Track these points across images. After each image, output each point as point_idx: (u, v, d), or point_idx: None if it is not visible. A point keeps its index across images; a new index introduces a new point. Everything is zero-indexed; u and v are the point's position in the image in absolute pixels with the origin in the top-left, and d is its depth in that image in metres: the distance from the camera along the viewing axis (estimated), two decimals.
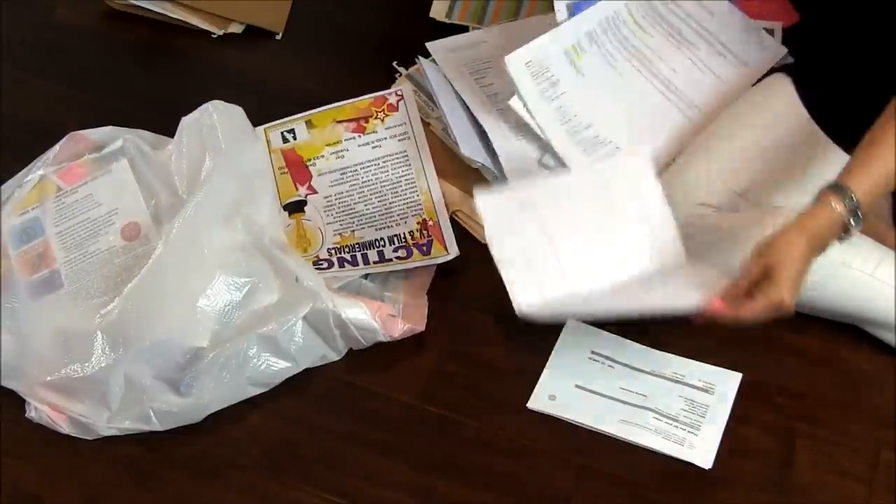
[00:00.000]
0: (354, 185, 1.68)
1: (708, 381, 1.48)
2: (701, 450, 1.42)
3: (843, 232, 1.33)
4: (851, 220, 1.31)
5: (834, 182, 1.33)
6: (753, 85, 1.62)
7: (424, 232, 1.63)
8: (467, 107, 1.70)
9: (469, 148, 1.63)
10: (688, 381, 1.49)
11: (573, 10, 1.65)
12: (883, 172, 1.33)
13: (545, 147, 1.65)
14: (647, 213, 1.48)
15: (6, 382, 1.47)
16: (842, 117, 1.47)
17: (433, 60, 1.76)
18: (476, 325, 1.57)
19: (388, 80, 1.81)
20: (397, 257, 1.61)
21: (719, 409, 1.46)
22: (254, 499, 1.41)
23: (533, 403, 1.47)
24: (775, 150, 1.51)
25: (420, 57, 1.74)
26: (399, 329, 1.52)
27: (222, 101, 1.58)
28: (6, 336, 1.47)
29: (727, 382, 1.48)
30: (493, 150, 1.65)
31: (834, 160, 1.48)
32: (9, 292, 1.51)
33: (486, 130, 1.66)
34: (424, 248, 1.62)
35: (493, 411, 1.47)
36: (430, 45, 1.77)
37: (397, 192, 1.66)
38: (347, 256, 1.63)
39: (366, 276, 1.60)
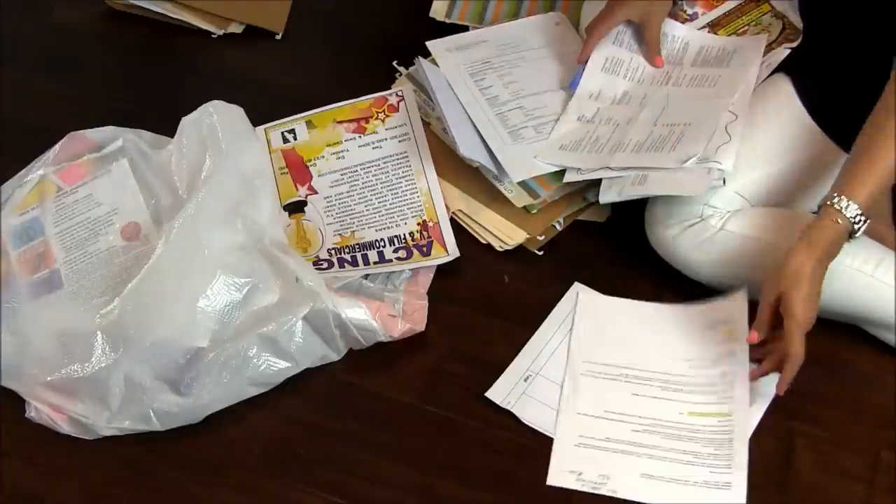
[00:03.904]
0: (355, 185, 1.68)
1: None
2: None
3: (850, 237, 1.36)
4: (856, 227, 1.35)
5: (834, 193, 1.35)
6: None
7: (424, 233, 1.63)
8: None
9: (467, 148, 1.62)
10: None
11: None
12: (884, 173, 1.34)
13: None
14: None
15: (6, 382, 1.47)
16: (842, 117, 1.47)
17: (432, 60, 1.76)
18: (476, 325, 1.57)
19: (388, 80, 1.81)
20: (397, 258, 1.61)
21: None
22: (253, 499, 1.41)
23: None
24: (776, 151, 1.51)
25: (419, 57, 1.74)
26: (399, 329, 1.52)
27: (222, 101, 1.58)
28: (6, 336, 1.47)
29: None
30: (492, 151, 1.65)
31: (834, 160, 1.48)
32: (9, 292, 1.51)
33: (484, 136, 1.66)
34: (424, 248, 1.62)
35: (493, 411, 1.47)
36: (430, 45, 1.77)
37: (397, 192, 1.66)
38: (347, 257, 1.62)
39: (366, 277, 1.60)
